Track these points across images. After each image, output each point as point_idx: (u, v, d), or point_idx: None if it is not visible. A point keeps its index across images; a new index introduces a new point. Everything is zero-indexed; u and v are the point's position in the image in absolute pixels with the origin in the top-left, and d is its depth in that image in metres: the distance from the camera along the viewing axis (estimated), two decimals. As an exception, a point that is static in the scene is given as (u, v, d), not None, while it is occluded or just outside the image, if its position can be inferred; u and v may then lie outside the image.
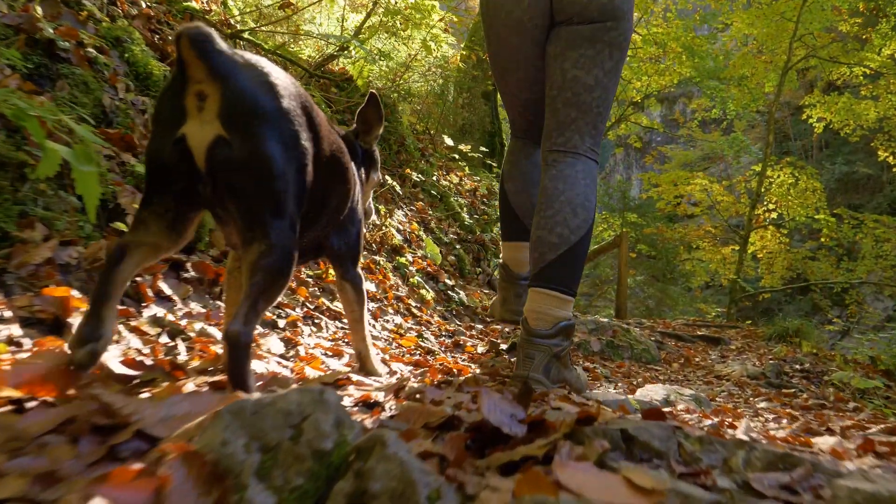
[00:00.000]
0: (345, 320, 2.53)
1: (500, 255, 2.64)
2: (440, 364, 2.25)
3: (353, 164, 1.44)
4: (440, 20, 6.76)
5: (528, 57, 2.16)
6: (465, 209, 6.35)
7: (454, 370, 2.12)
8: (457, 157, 7.39)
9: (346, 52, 6.01)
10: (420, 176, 6.22)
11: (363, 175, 1.62)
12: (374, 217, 1.88)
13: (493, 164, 8.60)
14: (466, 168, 7.30)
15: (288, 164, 1.03)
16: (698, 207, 14.39)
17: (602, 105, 2.09)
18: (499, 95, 2.75)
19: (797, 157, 20.78)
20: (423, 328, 3.24)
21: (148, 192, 1.06)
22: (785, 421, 2.15)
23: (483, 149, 8.59)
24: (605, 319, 4.61)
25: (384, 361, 1.98)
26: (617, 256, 11.41)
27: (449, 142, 6.49)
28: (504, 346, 3.06)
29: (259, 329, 1.91)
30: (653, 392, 2.19)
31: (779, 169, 14.11)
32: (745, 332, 6.33)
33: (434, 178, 6.43)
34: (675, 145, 25.94)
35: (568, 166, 2.04)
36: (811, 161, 22.92)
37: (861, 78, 15.18)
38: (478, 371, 2.29)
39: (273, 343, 1.77)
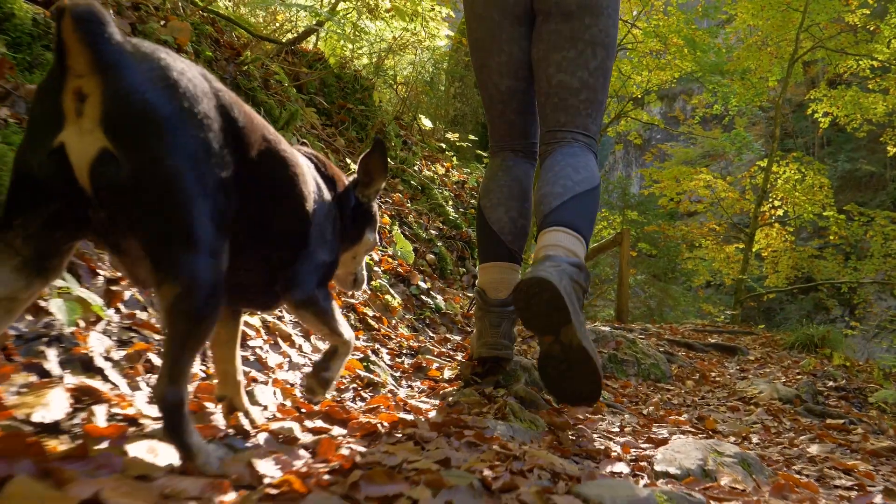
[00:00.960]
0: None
1: (476, 283, 2.29)
2: (365, 415, 1.51)
3: (314, 184, 1.16)
4: (431, 9, 6.08)
5: (510, 38, 2.10)
6: (450, 202, 5.61)
7: (383, 425, 1.38)
8: (444, 146, 6.65)
9: (320, 27, 5.29)
10: (400, 165, 5.50)
11: (355, 232, 1.35)
12: (364, 286, 1.52)
13: (485, 155, 7.86)
14: (454, 159, 6.57)
15: (197, 182, 0.79)
16: (701, 204, 13.62)
17: (591, 106, 2.08)
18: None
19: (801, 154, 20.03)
20: (378, 346, 2.51)
21: (7, 217, 0.79)
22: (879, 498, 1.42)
23: (472, 137, 7.85)
24: (607, 328, 3.87)
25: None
26: (617, 255, 10.68)
27: (427, 123, 5.75)
28: (479, 373, 2.33)
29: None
30: (682, 454, 1.46)
31: (784, 164, 13.36)
32: (761, 340, 5.62)
33: (416, 167, 5.70)
34: (675, 143, 25.19)
35: (566, 147, 2.05)
36: (813, 159, 22.08)
37: (868, 71, 14.42)
38: (427, 420, 1.56)
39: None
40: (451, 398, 2.01)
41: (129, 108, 0.74)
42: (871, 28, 13.77)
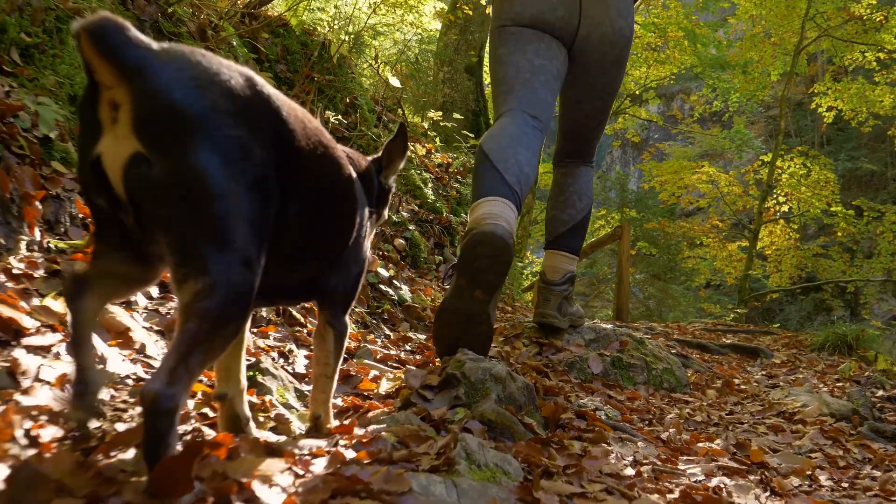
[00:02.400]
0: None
1: (468, 221, 2.12)
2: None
3: (359, 189, 1.13)
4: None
5: (551, 43, 2.27)
6: (429, 184, 4.87)
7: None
8: (426, 126, 5.91)
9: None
10: (373, 142, 4.76)
11: (375, 211, 1.29)
12: (370, 259, 1.49)
13: (472, 136, 7.13)
14: (437, 139, 5.82)
15: (230, 181, 0.75)
16: (703, 200, 12.86)
17: (600, 129, 2.69)
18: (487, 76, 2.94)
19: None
20: (294, 346, 1.76)
21: (98, 226, 0.83)
22: None
23: (457, 115, 7.11)
24: (609, 326, 3.12)
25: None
26: (615, 252, 9.95)
27: (395, 82, 5.02)
28: (431, 385, 1.59)
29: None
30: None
31: (789, 159, 12.62)
32: (783, 340, 4.88)
33: (391, 145, 4.95)
34: (673, 142, 24.46)
35: (574, 168, 2.71)
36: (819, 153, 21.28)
37: (875, 63, 13.70)
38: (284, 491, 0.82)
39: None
40: (373, 426, 1.26)
41: (158, 109, 0.72)
42: (878, 19, 13.05)
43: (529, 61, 2.26)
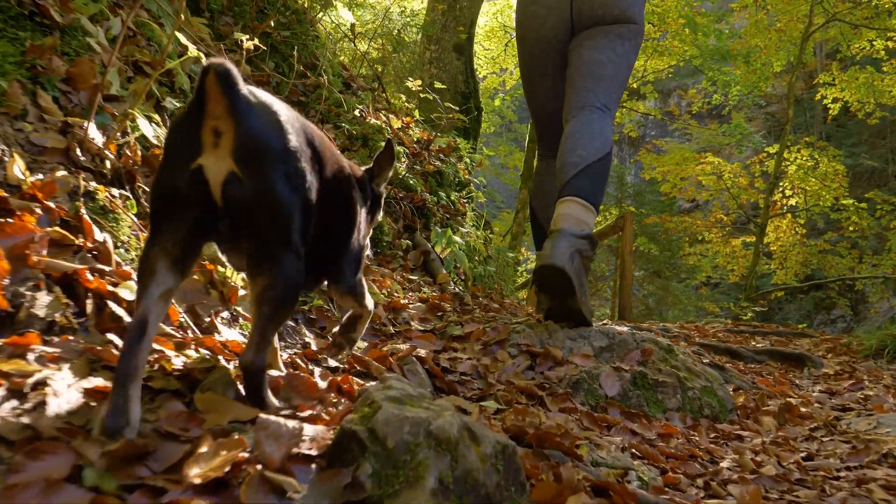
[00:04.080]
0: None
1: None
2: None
3: (357, 194, 1.35)
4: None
5: (555, 65, 2.43)
6: (403, 160, 4.03)
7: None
8: (405, 100, 5.08)
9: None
10: (335, 108, 3.93)
11: (368, 215, 1.51)
12: (369, 253, 1.61)
13: (465, 120, 6.29)
14: (417, 112, 4.98)
15: (295, 201, 0.98)
16: (707, 192, 12.01)
17: (613, 77, 2.32)
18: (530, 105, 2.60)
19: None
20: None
21: (157, 225, 0.96)
22: None
23: (450, 105, 6.27)
24: (626, 329, 2.28)
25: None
26: (613, 249, 9.14)
27: (347, 15, 4.18)
28: (310, 455, 0.73)
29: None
30: None
31: (795, 150, 11.81)
32: (825, 343, 4.05)
33: (359, 113, 4.12)
34: (670, 138, 23.64)
35: (585, 115, 2.27)
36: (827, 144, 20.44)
37: (882, 52, 12.90)
38: None
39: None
40: None
41: (254, 145, 0.92)
42: (887, 6, 12.25)
43: (543, 107, 2.51)
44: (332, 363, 1.56)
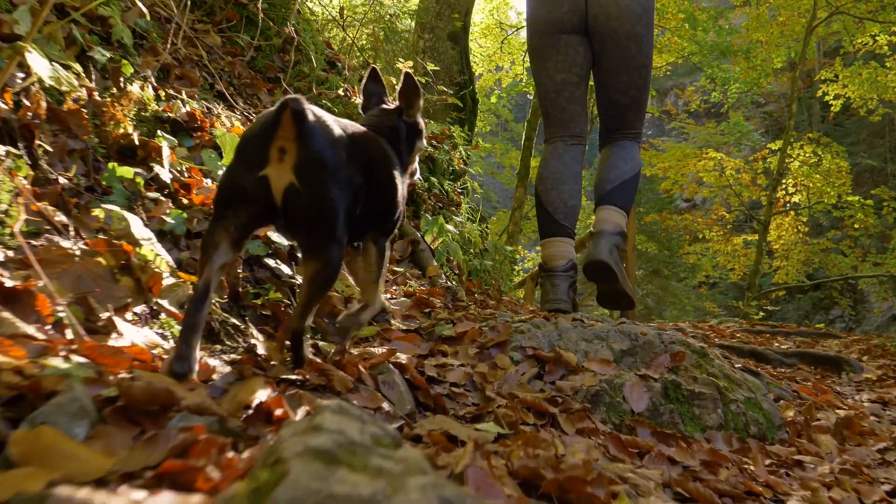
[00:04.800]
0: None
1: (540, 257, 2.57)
2: None
3: (398, 167, 1.47)
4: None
5: (566, 44, 2.47)
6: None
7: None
8: (394, 81, 4.68)
9: None
10: (318, 87, 3.55)
11: (408, 146, 1.62)
12: (417, 176, 1.81)
13: (460, 108, 5.91)
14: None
15: (340, 205, 1.17)
16: (708, 190, 11.63)
17: (639, 111, 2.64)
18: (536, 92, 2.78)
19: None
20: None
21: (221, 211, 1.16)
22: None
23: (448, 91, 5.87)
24: (651, 329, 1.89)
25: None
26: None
27: None
28: None
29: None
30: None
31: (798, 147, 11.46)
32: (857, 345, 3.67)
33: (342, 93, 3.72)
34: (667, 137, 23.30)
35: (618, 145, 2.63)
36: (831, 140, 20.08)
37: (885, 47, 12.57)
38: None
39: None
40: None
41: (311, 162, 1.12)
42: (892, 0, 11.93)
43: (552, 79, 2.53)
44: (285, 374, 1.17)
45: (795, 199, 11.40)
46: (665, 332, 1.84)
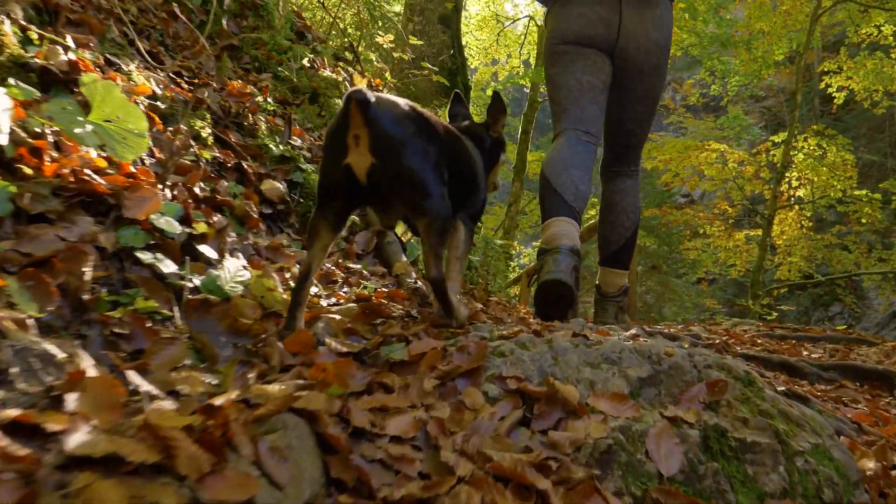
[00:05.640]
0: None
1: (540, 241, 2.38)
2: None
3: (477, 155, 1.69)
4: None
5: (595, 56, 2.41)
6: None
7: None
8: (374, 57, 4.18)
9: None
10: (279, 55, 3.06)
11: (492, 157, 1.83)
12: (499, 186, 1.99)
13: (446, 83, 5.40)
14: (388, 75, 4.09)
15: (424, 165, 1.31)
16: (710, 183, 11.11)
17: (644, 139, 2.66)
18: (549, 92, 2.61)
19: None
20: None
21: (322, 202, 1.35)
22: None
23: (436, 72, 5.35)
24: (677, 344, 1.39)
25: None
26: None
27: None
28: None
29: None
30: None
31: (803, 140, 10.96)
32: (896, 353, 3.17)
33: (308, 63, 3.22)
34: (665, 132, 22.80)
35: (622, 182, 2.63)
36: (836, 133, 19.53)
37: (891, 38, 12.07)
38: None
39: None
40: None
41: (383, 140, 1.25)
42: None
43: (577, 80, 2.44)
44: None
45: (799, 192, 10.90)
46: (697, 353, 1.34)
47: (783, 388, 1.74)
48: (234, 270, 1.32)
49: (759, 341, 3.09)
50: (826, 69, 12.92)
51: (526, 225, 15.66)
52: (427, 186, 1.30)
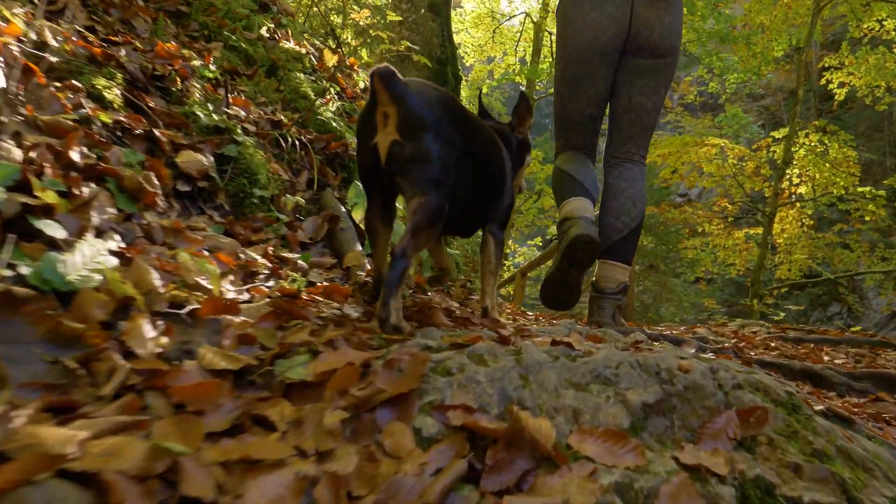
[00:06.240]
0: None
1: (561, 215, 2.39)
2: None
3: (504, 152, 1.63)
4: None
5: (602, 76, 2.38)
6: (332, 101, 2.78)
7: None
8: (349, 35, 3.81)
9: None
10: (222, 18, 2.69)
11: (518, 159, 1.83)
12: (525, 189, 2.08)
13: (428, 63, 5.03)
14: (365, 54, 3.71)
15: (442, 154, 1.26)
16: (711, 180, 10.76)
17: (654, 124, 2.47)
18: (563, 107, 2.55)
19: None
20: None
21: (367, 193, 1.39)
22: None
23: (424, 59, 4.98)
24: (694, 357, 1.02)
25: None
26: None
27: None
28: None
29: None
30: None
31: (804, 135, 10.61)
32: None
33: (266, 33, 2.85)
34: (662, 131, 22.47)
35: (627, 169, 2.41)
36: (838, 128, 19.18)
37: (893, 33, 11.72)
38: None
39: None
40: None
41: (411, 119, 1.23)
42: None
43: (581, 112, 2.44)
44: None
45: (801, 190, 10.55)
46: (723, 369, 0.97)
47: (821, 407, 1.37)
48: (90, 255, 0.95)
49: (772, 344, 2.72)
50: (827, 65, 12.55)
51: (522, 224, 15.29)
52: (436, 173, 1.25)
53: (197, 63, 2.00)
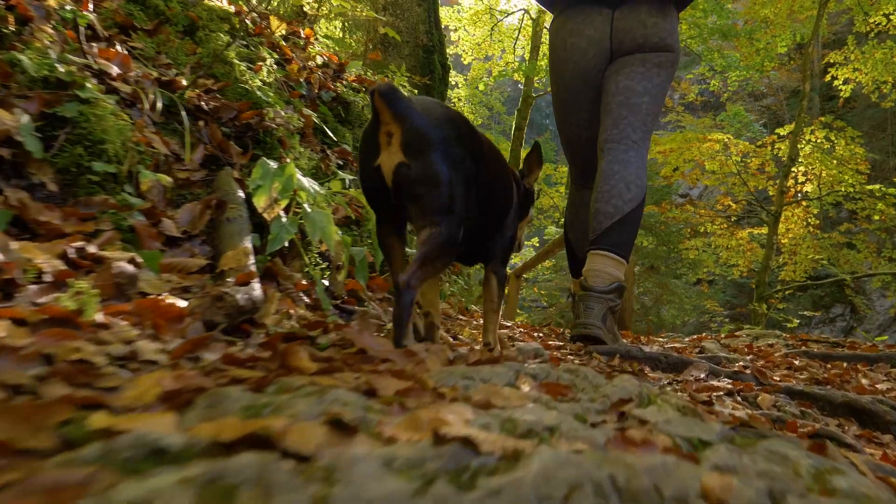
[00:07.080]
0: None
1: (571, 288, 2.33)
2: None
3: (513, 185, 1.56)
4: None
5: (590, 98, 2.35)
6: (275, 77, 2.29)
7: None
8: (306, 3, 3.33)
9: None
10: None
11: (522, 210, 1.72)
12: (523, 250, 1.95)
13: (428, 80, 4.55)
14: (339, 29, 3.22)
15: (449, 176, 1.17)
16: (714, 177, 10.22)
17: (649, 109, 2.26)
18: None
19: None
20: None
21: (376, 213, 1.31)
22: None
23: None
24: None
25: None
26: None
27: None
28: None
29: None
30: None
31: (810, 132, 10.07)
32: None
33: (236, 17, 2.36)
34: (663, 131, 21.94)
35: (622, 152, 2.21)
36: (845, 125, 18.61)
37: (900, 27, 11.18)
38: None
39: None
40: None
41: (416, 138, 1.15)
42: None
43: (577, 136, 2.44)
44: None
45: (807, 188, 10.01)
46: (791, 493, 0.47)
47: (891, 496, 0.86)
48: None
49: (796, 363, 2.22)
50: (832, 60, 12.02)
51: (519, 224, 14.77)
52: (446, 199, 1.18)
53: (53, 4, 1.51)
